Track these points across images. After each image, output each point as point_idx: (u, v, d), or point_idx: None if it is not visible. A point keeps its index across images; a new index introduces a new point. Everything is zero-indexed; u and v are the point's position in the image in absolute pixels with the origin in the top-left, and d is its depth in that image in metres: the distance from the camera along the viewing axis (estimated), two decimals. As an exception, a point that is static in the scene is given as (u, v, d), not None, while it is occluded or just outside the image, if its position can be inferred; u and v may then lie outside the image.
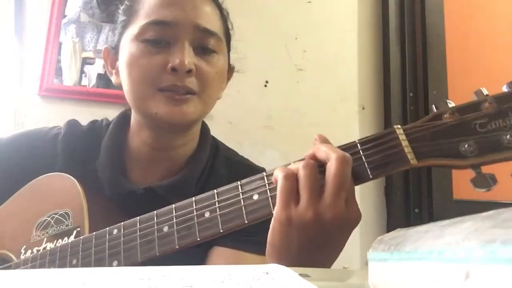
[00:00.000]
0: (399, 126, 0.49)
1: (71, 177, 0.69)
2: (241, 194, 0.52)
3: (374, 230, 1.55)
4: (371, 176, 0.48)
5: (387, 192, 1.59)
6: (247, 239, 0.69)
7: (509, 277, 0.17)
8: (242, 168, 0.80)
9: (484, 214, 0.22)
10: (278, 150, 1.51)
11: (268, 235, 0.50)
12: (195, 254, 0.69)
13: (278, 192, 0.48)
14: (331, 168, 0.47)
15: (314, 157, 0.50)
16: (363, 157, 0.48)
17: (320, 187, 0.48)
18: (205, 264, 0.71)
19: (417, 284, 0.23)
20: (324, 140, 0.51)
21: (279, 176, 0.49)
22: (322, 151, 0.49)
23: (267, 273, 0.30)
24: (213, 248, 0.71)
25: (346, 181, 0.47)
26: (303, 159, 0.51)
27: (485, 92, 0.47)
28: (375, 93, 1.67)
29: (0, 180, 0.77)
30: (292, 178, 0.48)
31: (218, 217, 0.52)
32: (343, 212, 0.47)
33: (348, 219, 0.48)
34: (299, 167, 0.48)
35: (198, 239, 0.53)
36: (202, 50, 0.69)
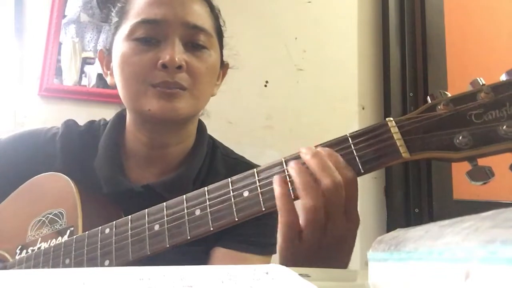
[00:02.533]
0: (391, 119, 0.48)
1: (65, 176, 0.70)
2: (231, 191, 0.51)
3: (374, 230, 1.55)
4: (362, 171, 0.47)
5: (387, 192, 1.59)
6: (249, 240, 0.69)
7: (509, 277, 0.17)
8: (240, 166, 0.80)
9: (484, 214, 0.22)
10: (278, 150, 1.51)
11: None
12: (196, 255, 0.69)
13: (280, 224, 0.47)
14: (325, 195, 0.46)
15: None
16: (354, 151, 0.48)
17: None
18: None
19: (417, 284, 0.23)
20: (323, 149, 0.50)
21: (281, 208, 0.47)
22: (315, 170, 0.47)
23: (267, 273, 0.30)
24: (215, 249, 0.72)
25: (340, 205, 0.47)
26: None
27: (482, 81, 0.45)
28: (375, 93, 1.67)
29: (0, 180, 0.77)
30: (296, 214, 0.47)
31: (209, 214, 0.51)
32: (341, 230, 0.47)
33: (347, 231, 0.48)
34: (304, 205, 0.46)
35: (189, 237, 0.52)
36: (193, 47, 0.70)
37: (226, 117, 1.49)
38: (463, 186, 1.51)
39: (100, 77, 1.49)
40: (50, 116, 1.41)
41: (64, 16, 1.50)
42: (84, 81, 1.49)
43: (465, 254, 0.19)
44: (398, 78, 1.65)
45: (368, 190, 1.57)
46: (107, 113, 0.89)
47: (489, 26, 1.75)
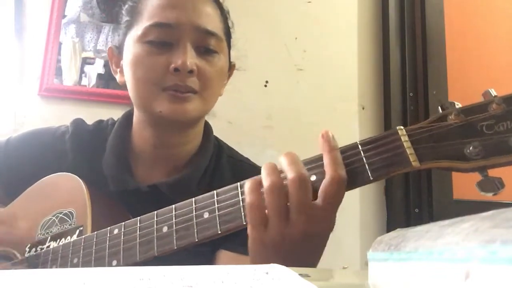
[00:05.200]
0: (402, 127, 0.47)
1: (76, 177, 0.71)
2: (240, 194, 0.51)
3: (374, 230, 1.55)
4: (371, 178, 0.47)
5: (387, 192, 1.59)
6: None
7: (509, 277, 0.17)
8: (246, 168, 0.81)
9: (484, 214, 0.22)
10: (278, 149, 1.51)
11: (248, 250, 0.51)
12: (201, 257, 0.70)
13: (247, 213, 0.49)
14: (289, 189, 0.47)
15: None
16: (364, 158, 0.47)
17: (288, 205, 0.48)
18: None
19: (417, 284, 0.23)
20: (327, 139, 0.50)
21: (247, 199, 0.49)
22: (283, 167, 0.49)
23: (267, 273, 0.30)
24: (220, 251, 0.72)
25: (304, 199, 0.47)
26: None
27: (494, 93, 0.45)
28: (375, 93, 1.67)
29: (10, 178, 0.78)
30: (257, 206, 0.48)
31: (217, 217, 0.52)
32: (308, 228, 0.47)
33: (316, 231, 0.48)
34: (266, 189, 0.48)
35: (196, 240, 0.52)
36: (204, 51, 0.71)
37: (226, 117, 1.49)
38: (463, 186, 1.51)
39: (100, 77, 1.49)
40: (50, 116, 1.41)
41: (64, 16, 1.50)
42: (84, 81, 1.49)
43: (465, 254, 0.19)
44: (398, 78, 1.65)
45: (368, 190, 1.57)
46: (107, 113, 0.89)
47: (489, 26, 1.75)
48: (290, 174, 0.47)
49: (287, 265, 0.47)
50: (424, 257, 0.23)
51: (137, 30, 0.71)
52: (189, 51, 0.68)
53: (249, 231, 0.50)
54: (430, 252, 0.23)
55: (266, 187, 0.48)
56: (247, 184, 0.50)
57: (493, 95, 0.45)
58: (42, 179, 0.73)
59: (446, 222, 0.25)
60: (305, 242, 0.48)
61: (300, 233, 0.47)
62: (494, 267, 0.18)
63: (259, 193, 0.49)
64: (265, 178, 0.48)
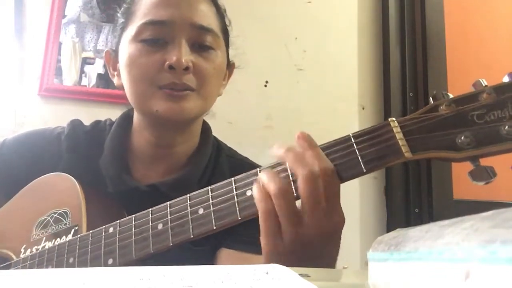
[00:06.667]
0: (394, 119, 0.48)
1: (70, 177, 0.70)
2: (234, 190, 0.51)
3: (374, 230, 1.55)
4: (364, 170, 0.47)
5: (387, 192, 1.59)
6: (253, 240, 0.69)
7: (509, 277, 0.17)
8: (245, 167, 0.80)
9: (484, 214, 0.22)
10: (278, 150, 1.51)
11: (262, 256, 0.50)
12: (201, 255, 0.70)
13: (260, 222, 0.48)
14: (300, 187, 0.46)
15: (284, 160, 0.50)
16: (356, 150, 0.47)
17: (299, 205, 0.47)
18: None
19: (417, 284, 0.23)
20: (305, 139, 0.50)
21: (260, 207, 0.47)
22: (291, 163, 0.48)
23: (267, 273, 0.30)
24: (220, 250, 0.72)
25: (318, 196, 0.46)
26: (277, 164, 0.51)
27: (484, 83, 0.45)
28: (375, 93, 1.67)
29: (5, 179, 0.78)
30: (273, 213, 0.47)
31: (212, 213, 0.51)
32: (323, 224, 0.46)
33: (330, 227, 0.47)
34: (273, 195, 0.46)
35: (192, 236, 0.52)
36: (199, 47, 0.70)
37: (226, 117, 1.49)
38: (463, 186, 1.51)
39: (100, 77, 1.49)
40: (50, 116, 1.41)
41: (64, 16, 1.50)
42: (84, 81, 1.49)
43: (465, 254, 0.19)
44: (398, 78, 1.65)
45: (368, 190, 1.57)
46: (107, 113, 0.89)
47: (489, 26, 1.75)
48: (301, 170, 0.46)
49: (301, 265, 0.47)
50: (424, 257, 0.23)
51: (131, 30, 0.70)
52: (184, 47, 0.67)
53: (264, 243, 0.48)
54: (430, 252, 0.23)
55: (273, 194, 0.46)
56: (257, 191, 0.48)
57: (484, 85, 0.45)
58: (36, 179, 0.73)
59: (446, 222, 0.25)
60: (322, 241, 0.47)
61: (316, 233, 0.46)
62: (494, 267, 0.18)
63: (270, 199, 0.47)
64: (269, 183, 0.47)
